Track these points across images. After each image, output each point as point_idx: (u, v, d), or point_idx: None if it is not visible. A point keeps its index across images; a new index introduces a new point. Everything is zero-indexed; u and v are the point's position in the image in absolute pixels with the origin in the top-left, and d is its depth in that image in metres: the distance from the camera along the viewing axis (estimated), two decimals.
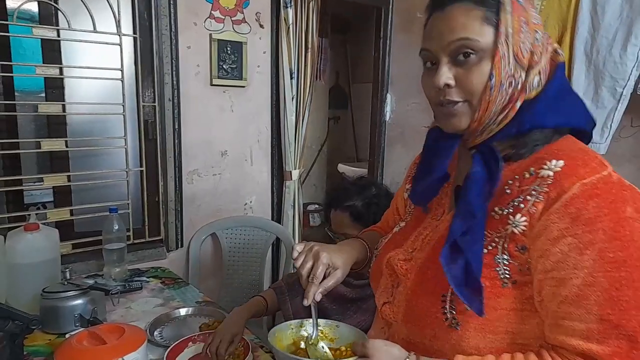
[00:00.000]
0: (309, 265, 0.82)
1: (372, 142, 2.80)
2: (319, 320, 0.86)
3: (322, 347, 0.84)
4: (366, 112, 3.08)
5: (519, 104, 0.70)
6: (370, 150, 2.82)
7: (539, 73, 0.70)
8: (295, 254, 0.85)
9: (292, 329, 0.87)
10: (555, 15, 1.76)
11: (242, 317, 1.25)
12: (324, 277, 0.82)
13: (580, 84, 1.69)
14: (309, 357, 0.80)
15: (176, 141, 1.96)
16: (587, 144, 0.74)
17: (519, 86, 0.69)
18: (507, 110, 0.70)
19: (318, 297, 0.81)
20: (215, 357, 1.10)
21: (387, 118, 2.70)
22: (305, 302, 0.80)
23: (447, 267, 0.70)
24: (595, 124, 0.76)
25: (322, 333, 0.87)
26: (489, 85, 0.68)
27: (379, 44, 2.65)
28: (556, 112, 0.70)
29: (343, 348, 0.84)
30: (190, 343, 1.17)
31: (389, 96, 2.68)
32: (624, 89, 1.61)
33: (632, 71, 1.59)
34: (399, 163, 2.59)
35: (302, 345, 0.85)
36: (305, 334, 0.87)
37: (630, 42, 1.58)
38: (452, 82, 0.70)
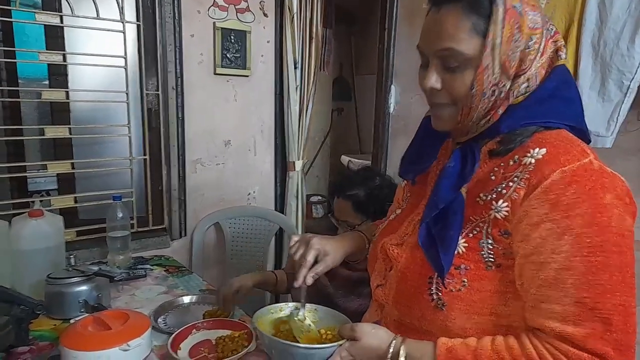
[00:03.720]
0: (300, 251, 0.89)
1: (375, 134, 2.78)
2: (298, 303, 0.91)
3: (309, 324, 0.88)
4: (370, 104, 3.06)
5: (501, 111, 0.73)
6: (374, 142, 2.81)
7: (527, 80, 0.71)
8: (291, 243, 0.92)
9: (272, 313, 0.92)
10: (562, 7, 1.74)
11: (251, 275, 1.36)
12: (316, 263, 0.88)
13: (586, 76, 1.68)
14: (292, 335, 0.85)
15: (179, 130, 1.96)
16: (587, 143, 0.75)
17: (502, 94, 0.71)
18: (489, 117, 0.74)
19: (309, 281, 0.86)
20: (221, 301, 1.24)
21: (391, 110, 2.69)
22: (296, 284, 0.86)
23: (426, 251, 0.75)
24: (585, 128, 0.76)
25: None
26: (470, 93, 0.70)
27: (384, 35, 2.62)
28: (533, 116, 0.72)
29: (322, 331, 0.88)
30: (194, 330, 1.17)
31: (393, 88, 2.66)
32: (631, 82, 1.59)
33: (639, 64, 1.57)
34: (402, 155, 2.59)
35: (282, 329, 0.90)
36: (285, 317, 0.92)
37: (639, 35, 1.57)
38: (438, 85, 0.73)
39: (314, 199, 3.91)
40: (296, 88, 2.23)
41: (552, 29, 0.73)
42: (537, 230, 0.66)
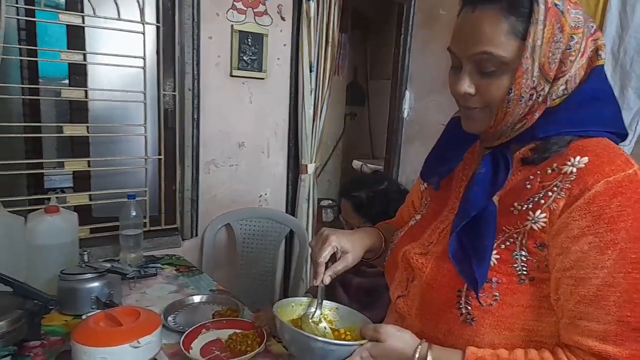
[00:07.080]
0: (317, 248, 0.84)
1: (389, 139, 2.77)
2: (314, 300, 0.88)
3: (325, 327, 0.85)
4: (383, 109, 3.05)
5: (537, 114, 0.70)
6: (387, 148, 2.80)
7: (566, 82, 0.68)
8: (312, 243, 0.88)
9: (293, 306, 0.89)
10: None
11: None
12: (335, 261, 0.85)
13: None
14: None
15: (195, 131, 1.97)
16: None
17: (540, 98, 0.68)
18: (525, 121, 0.70)
19: (327, 280, 0.83)
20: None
21: (405, 115, 2.68)
22: (314, 282, 0.82)
23: (457, 263, 0.71)
24: (626, 133, 0.72)
25: (321, 314, 0.87)
26: (507, 98, 0.67)
27: (400, 41, 2.62)
28: (573, 123, 0.68)
29: (342, 330, 0.85)
30: (204, 330, 1.17)
31: (407, 93, 2.65)
32: None
33: None
34: (415, 161, 2.57)
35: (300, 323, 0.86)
36: (298, 316, 0.88)
37: None
38: (472, 90, 0.70)
39: (324, 202, 3.91)
40: (311, 91, 2.24)
41: (592, 27, 0.69)
42: (577, 244, 0.62)
